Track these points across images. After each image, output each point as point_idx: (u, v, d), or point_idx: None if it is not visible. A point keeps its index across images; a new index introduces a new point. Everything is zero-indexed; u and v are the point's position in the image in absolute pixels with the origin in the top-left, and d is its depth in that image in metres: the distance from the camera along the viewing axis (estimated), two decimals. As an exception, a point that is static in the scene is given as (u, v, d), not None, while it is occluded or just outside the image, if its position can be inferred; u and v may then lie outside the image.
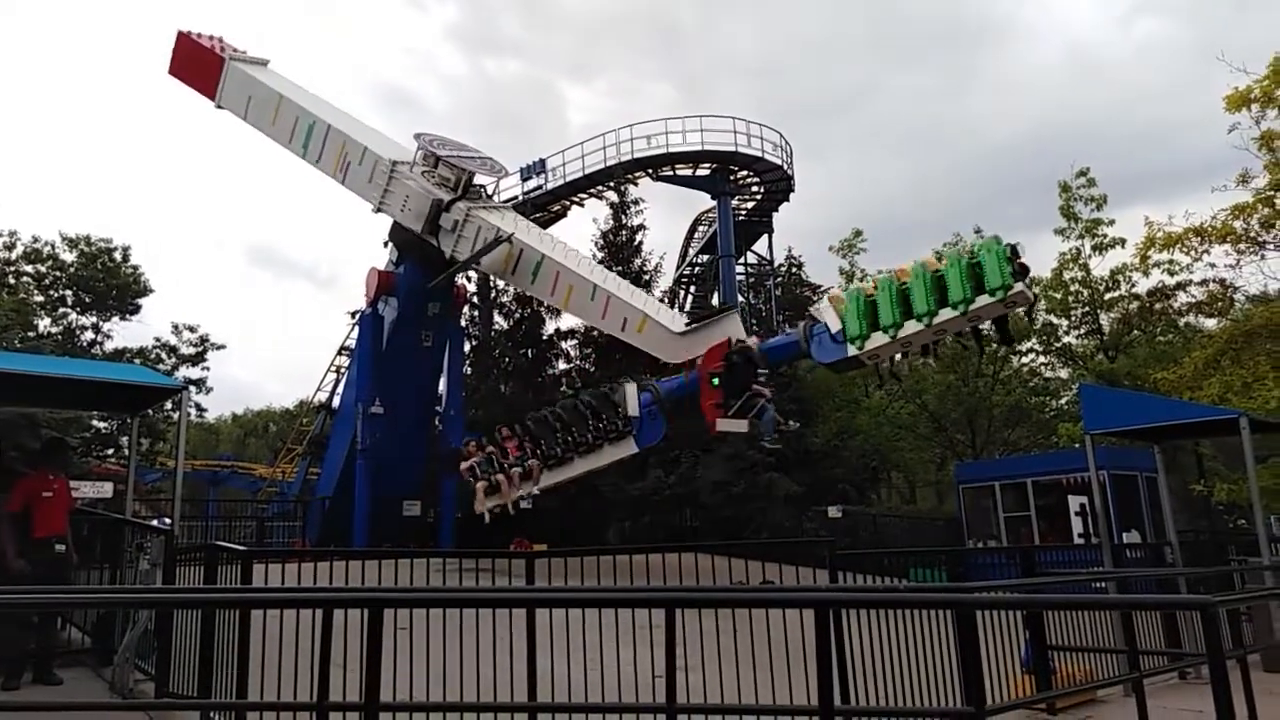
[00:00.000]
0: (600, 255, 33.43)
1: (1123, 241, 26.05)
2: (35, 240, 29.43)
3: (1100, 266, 26.94)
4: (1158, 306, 25.63)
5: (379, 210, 19.81)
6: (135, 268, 30.47)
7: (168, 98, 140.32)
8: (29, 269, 29.30)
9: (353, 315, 32.70)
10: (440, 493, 23.66)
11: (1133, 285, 26.34)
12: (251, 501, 34.80)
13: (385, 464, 22.02)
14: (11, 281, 28.57)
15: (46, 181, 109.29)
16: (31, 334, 23.96)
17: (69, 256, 29.44)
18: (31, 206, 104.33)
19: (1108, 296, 27.02)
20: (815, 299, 40.91)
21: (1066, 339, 28.89)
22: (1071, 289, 27.31)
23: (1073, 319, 28.14)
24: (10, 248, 29.15)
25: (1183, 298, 24.28)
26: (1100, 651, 8.49)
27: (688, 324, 17.62)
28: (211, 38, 22.51)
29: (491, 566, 9.54)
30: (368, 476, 21.76)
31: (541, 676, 7.10)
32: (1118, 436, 13.28)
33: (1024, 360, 30.46)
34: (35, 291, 29.00)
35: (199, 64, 21.92)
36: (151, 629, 7.82)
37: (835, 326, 16.73)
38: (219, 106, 21.61)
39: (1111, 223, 26.68)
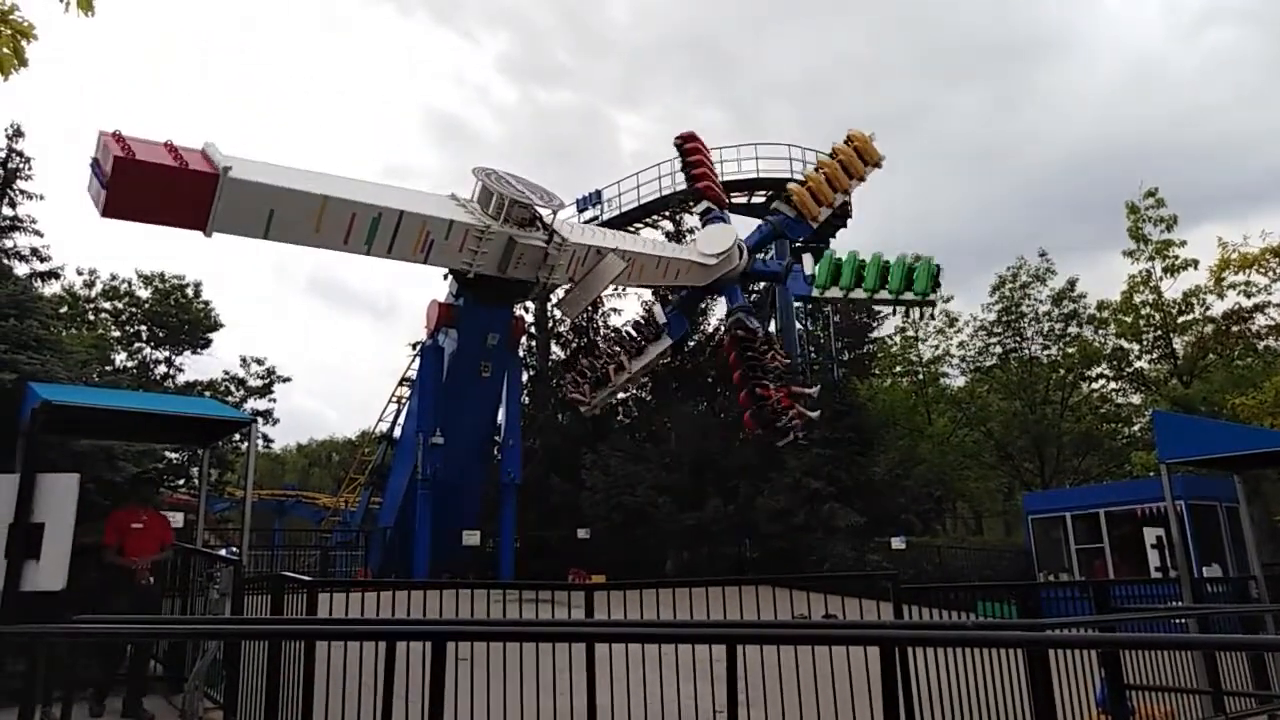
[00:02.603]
0: (656, 284, 33.62)
1: (1195, 263, 25.27)
2: (113, 278, 30.74)
3: (1172, 289, 26.15)
4: (1234, 329, 24.73)
5: (472, 271, 18.39)
6: (206, 303, 31.55)
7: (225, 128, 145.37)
8: (107, 306, 30.55)
9: (413, 347, 33.31)
10: (499, 522, 23.81)
11: (1207, 308, 25.53)
12: (316, 531, 35.42)
13: (445, 494, 22.25)
14: (91, 318, 29.79)
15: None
16: (109, 368, 24.87)
17: (144, 293, 30.62)
18: (108, 244, 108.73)
19: (1180, 320, 26.15)
20: (874, 325, 40.57)
21: (1138, 364, 28.03)
22: (1143, 312, 26.50)
23: (1144, 343, 27.28)
24: (90, 285, 30.46)
25: (1261, 320, 23.45)
26: (1182, 691, 8.12)
27: (716, 255, 22.01)
28: (152, 144, 13.88)
29: (551, 598, 9.55)
30: (428, 506, 22.00)
31: (601, 710, 7.05)
32: (1195, 465, 12.78)
33: (1094, 386, 29.61)
34: (113, 327, 30.19)
35: (165, 191, 13.88)
36: (220, 658, 7.97)
37: (809, 271, 23.56)
38: (210, 235, 14.71)
39: (1183, 244, 25.88)
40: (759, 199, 33.20)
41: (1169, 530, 14.30)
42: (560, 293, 23.19)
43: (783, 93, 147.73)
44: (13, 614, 6.94)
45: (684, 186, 31.65)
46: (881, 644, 5.12)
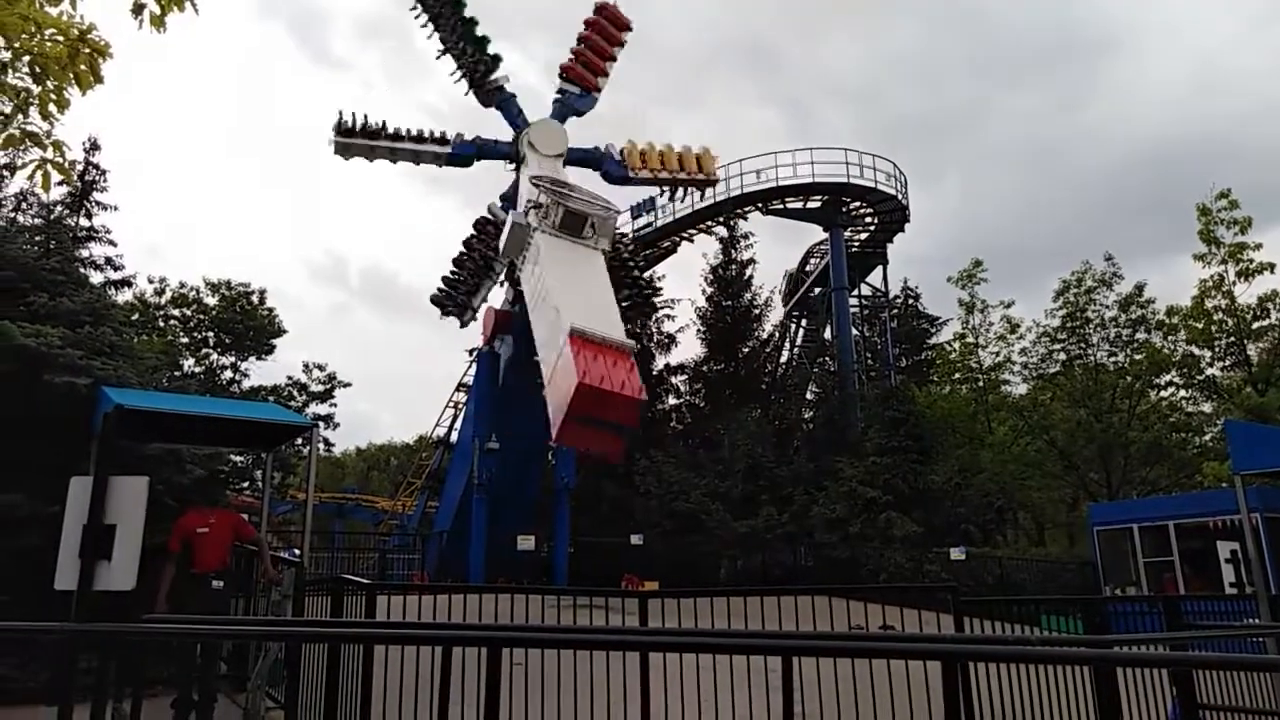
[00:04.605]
0: (710, 289, 33.50)
1: (1271, 266, 24.34)
2: (182, 286, 31.73)
3: (1246, 293, 25.20)
4: (1314, 335, 23.75)
5: None
6: (270, 310, 32.37)
7: (291, 138, 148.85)
8: (176, 313, 31.55)
9: (470, 353, 33.71)
10: (554, 527, 23.93)
11: (1285, 313, 24.56)
12: (374, 533, 36.00)
13: (500, 498, 22.44)
14: (161, 325, 30.77)
15: (186, 226, 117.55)
16: (178, 374, 25.63)
17: (211, 301, 31.55)
18: (176, 253, 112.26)
19: (1255, 326, 25.20)
20: (933, 332, 39.86)
21: (1210, 371, 27.07)
22: (1215, 318, 25.61)
23: (1216, 350, 26.34)
24: (160, 293, 31.49)
25: (1343, 326, 22.44)
26: (1260, 714, 7.80)
27: (560, 154, 22.48)
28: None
29: (605, 604, 9.59)
30: (484, 511, 22.20)
31: (655, 718, 7.03)
32: (1272, 476, 12.29)
33: (1163, 394, 28.68)
34: (181, 334, 31.15)
35: None
36: (281, 658, 8.12)
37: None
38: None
39: (1258, 246, 24.94)
40: (814, 203, 32.96)
41: (1244, 544, 13.77)
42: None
43: (837, 94, 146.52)
44: (86, 612, 7.17)
45: (738, 192, 31.60)
46: (942, 658, 5.00)
